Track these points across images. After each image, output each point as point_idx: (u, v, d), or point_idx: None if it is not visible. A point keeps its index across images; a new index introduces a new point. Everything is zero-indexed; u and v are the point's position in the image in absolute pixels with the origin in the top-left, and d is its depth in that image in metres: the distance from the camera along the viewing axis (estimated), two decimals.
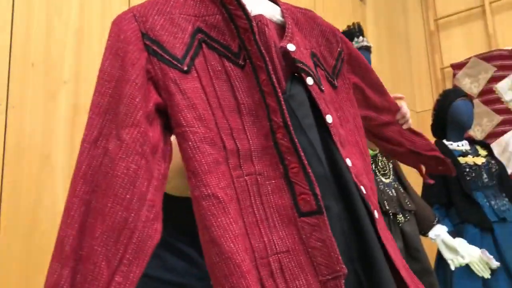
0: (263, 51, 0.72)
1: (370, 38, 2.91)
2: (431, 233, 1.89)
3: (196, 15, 0.76)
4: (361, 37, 1.78)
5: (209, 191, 0.64)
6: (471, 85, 3.45)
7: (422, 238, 1.81)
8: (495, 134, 3.30)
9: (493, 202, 2.15)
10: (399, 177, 1.86)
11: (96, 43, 1.53)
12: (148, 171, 0.64)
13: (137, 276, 0.59)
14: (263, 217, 0.67)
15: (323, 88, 0.84)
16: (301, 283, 0.63)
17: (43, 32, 1.39)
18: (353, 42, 1.76)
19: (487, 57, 3.39)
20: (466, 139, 2.36)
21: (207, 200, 0.64)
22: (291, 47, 0.79)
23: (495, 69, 3.35)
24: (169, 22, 0.73)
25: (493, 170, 2.24)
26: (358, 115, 0.96)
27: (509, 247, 2.07)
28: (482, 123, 3.36)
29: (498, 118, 3.31)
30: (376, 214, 0.78)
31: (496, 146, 3.18)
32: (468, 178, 2.17)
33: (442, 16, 3.76)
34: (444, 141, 2.32)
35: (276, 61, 0.76)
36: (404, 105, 1.11)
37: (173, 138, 0.71)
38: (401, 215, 1.70)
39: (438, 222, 1.91)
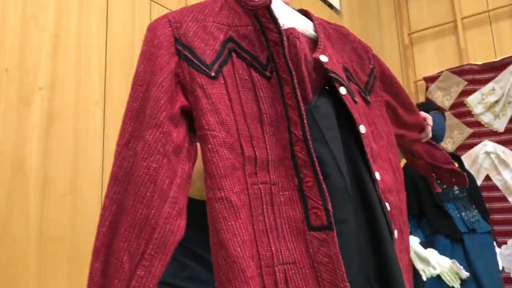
0: (290, 65, 0.73)
1: None
2: None
3: (229, 25, 0.77)
4: None
5: (223, 194, 0.65)
6: (443, 98, 3.54)
7: None
8: (466, 147, 3.39)
9: (463, 214, 2.20)
10: None
11: (72, 49, 1.50)
12: (170, 170, 0.66)
13: (159, 270, 0.61)
14: (273, 227, 0.67)
15: (356, 100, 0.85)
16: None
17: (18, 37, 1.37)
18: None
19: (459, 71, 3.49)
20: None
21: (220, 203, 0.65)
22: (323, 58, 0.80)
23: (466, 83, 3.44)
24: (202, 29, 0.74)
25: None
26: (392, 133, 0.96)
27: (479, 258, 2.12)
28: (453, 135, 3.44)
29: (469, 131, 3.40)
30: (396, 234, 0.78)
31: (466, 158, 3.26)
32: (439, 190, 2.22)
33: (415, 30, 3.85)
34: None
35: (305, 74, 0.77)
36: (429, 119, 1.12)
37: None
38: None
39: (410, 233, 1.95)
